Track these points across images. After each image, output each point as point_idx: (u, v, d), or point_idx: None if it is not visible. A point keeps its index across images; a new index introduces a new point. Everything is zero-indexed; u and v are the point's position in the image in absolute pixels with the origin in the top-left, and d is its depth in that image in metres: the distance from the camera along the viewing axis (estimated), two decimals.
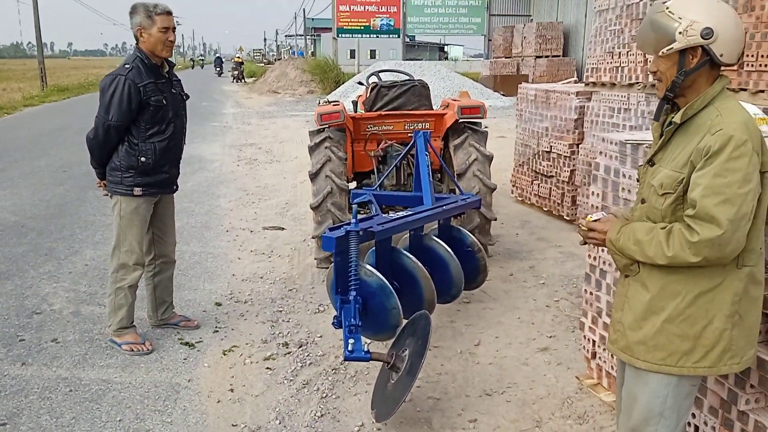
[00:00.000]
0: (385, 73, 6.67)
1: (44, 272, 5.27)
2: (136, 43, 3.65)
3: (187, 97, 3.98)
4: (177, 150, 3.88)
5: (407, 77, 5.95)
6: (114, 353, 3.85)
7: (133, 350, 3.84)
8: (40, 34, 27.97)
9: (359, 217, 3.37)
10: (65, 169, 9.77)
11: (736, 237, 1.84)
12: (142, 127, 3.64)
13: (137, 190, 3.70)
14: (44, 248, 5.91)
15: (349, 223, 3.34)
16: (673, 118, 2.01)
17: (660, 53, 1.95)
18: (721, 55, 1.89)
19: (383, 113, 5.41)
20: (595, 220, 2.17)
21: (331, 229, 3.39)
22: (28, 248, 5.90)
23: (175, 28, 3.71)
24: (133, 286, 3.83)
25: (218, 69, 47.48)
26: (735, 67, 4.86)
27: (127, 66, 3.60)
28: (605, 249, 2.31)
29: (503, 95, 21.31)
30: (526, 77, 22.82)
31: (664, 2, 1.95)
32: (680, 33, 1.89)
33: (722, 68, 1.97)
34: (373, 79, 6.10)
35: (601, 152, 3.32)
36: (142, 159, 3.66)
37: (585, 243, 2.26)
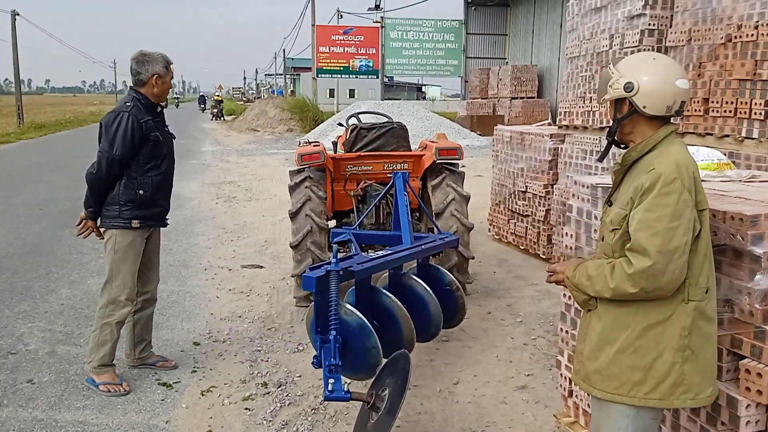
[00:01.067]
0: (365, 114, 6.81)
1: (19, 312, 5.21)
2: (137, 86, 3.81)
3: (174, 137, 4.12)
4: (169, 184, 4.05)
5: (386, 119, 6.09)
6: (91, 394, 3.80)
7: (110, 391, 3.80)
8: (18, 71, 27.97)
9: (339, 256, 3.42)
10: (41, 207, 9.69)
11: (670, 269, 1.94)
12: (141, 161, 3.78)
13: (135, 223, 3.80)
14: (19, 287, 5.84)
15: (329, 263, 3.37)
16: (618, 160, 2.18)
17: (600, 101, 2.20)
18: (644, 107, 2.07)
19: (363, 154, 5.52)
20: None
21: (311, 269, 3.41)
22: (3, 287, 5.82)
23: None
24: (120, 322, 3.86)
25: (202, 105, 52.03)
26: (701, 113, 5.08)
27: (128, 104, 3.77)
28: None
29: (480, 135, 21.69)
30: (502, 118, 23.27)
31: (617, 60, 2.18)
32: (610, 86, 2.12)
33: (672, 117, 2.12)
34: (353, 120, 6.23)
35: (573, 194, 3.43)
36: (140, 192, 3.79)
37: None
